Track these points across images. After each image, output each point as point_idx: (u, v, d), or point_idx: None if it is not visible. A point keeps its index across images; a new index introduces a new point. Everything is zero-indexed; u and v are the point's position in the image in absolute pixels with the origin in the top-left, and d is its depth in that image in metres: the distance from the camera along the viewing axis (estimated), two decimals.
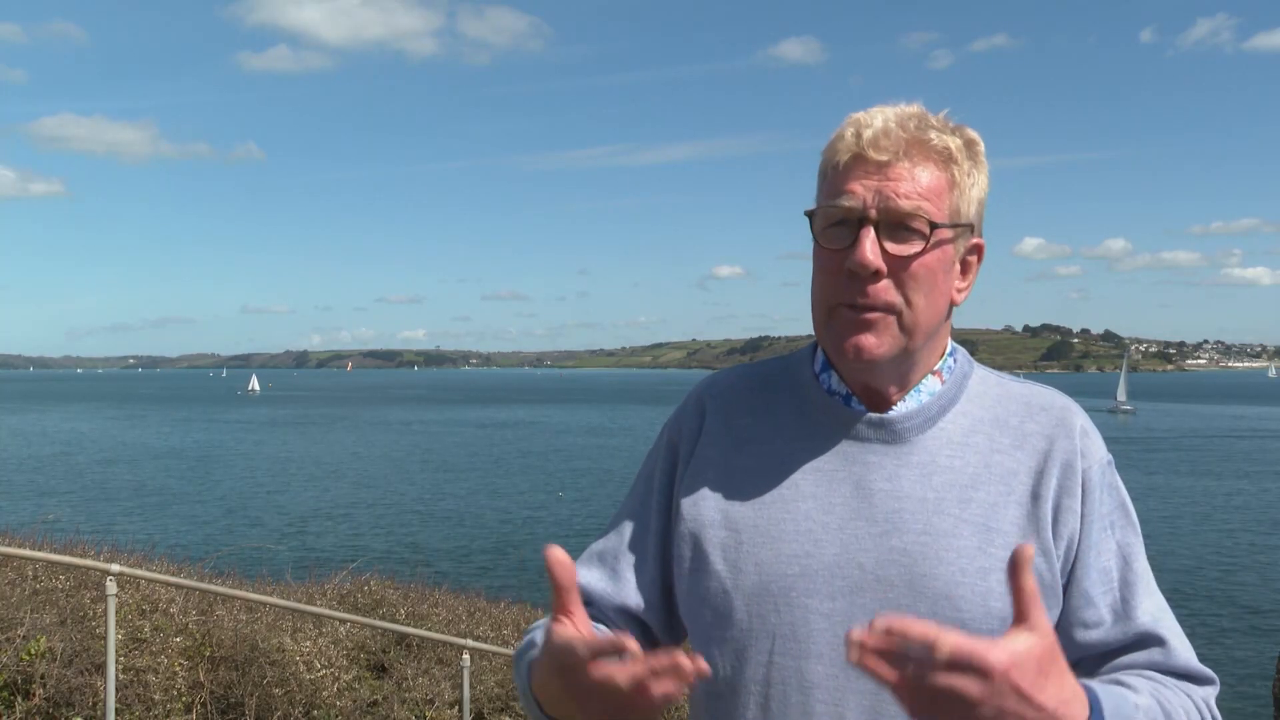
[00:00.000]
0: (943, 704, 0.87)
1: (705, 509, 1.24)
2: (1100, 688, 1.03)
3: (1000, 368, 1.39)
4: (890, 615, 0.87)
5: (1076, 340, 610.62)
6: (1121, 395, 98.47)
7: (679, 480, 1.29)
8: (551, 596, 0.99)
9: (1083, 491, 1.20)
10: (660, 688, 0.93)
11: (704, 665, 0.92)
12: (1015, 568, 0.89)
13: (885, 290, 1.15)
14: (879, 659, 0.87)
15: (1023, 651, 0.87)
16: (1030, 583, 0.89)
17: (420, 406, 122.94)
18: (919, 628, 0.85)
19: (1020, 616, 0.89)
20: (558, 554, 0.97)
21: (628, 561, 1.30)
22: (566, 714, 1.06)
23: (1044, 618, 0.90)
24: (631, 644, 0.92)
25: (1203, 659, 1.21)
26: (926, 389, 1.24)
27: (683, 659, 0.92)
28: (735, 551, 1.20)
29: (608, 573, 1.31)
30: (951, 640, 0.85)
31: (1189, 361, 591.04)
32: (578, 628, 1.00)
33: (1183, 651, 1.18)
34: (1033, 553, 0.88)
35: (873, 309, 1.15)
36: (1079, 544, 1.19)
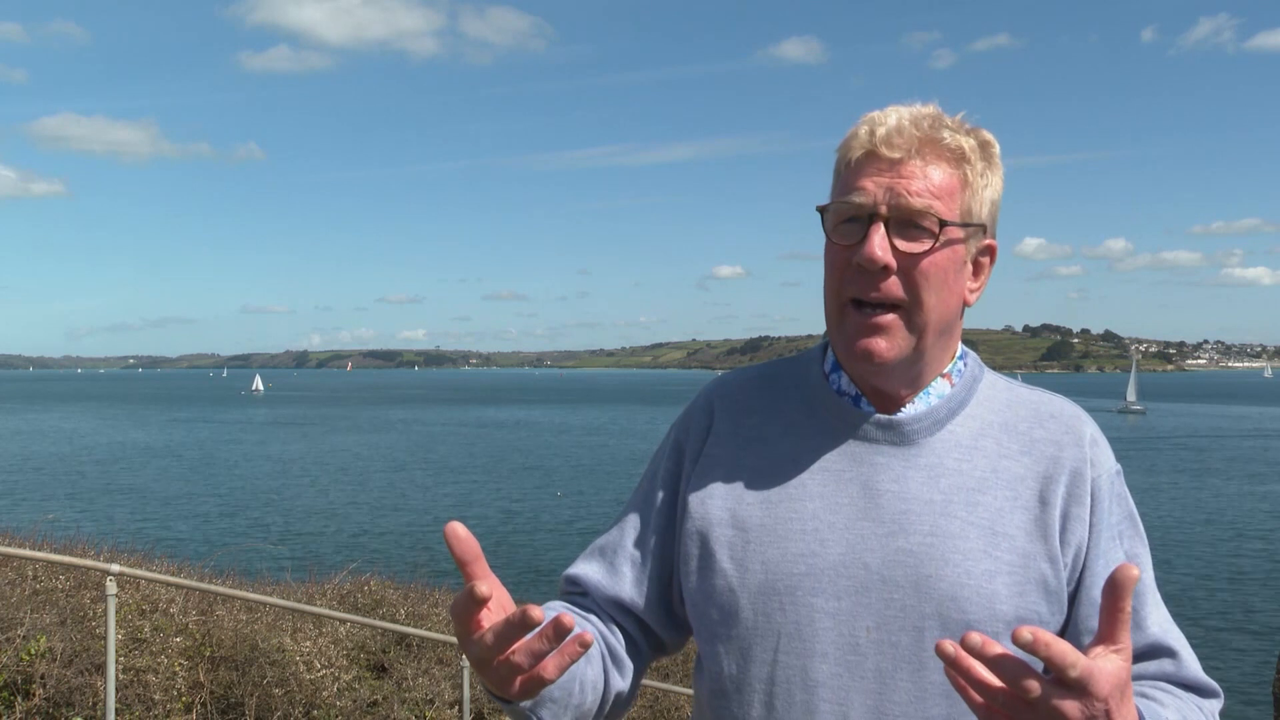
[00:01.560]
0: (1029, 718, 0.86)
1: (712, 508, 1.24)
2: (1143, 705, 1.03)
3: (1000, 368, 1.39)
4: (978, 634, 0.86)
5: (1076, 340, 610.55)
6: (1131, 395, 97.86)
7: (686, 479, 1.29)
8: (460, 571, 0.97)
9: (1091, 501, 1.20)
10: (537, 648, 0.93)
11: (588, 638, 0.91)
12: (1116, 588, 0.87)
13: (894, 287, 1.15)
14: (970, 672, 0.86)
15: (1119, 673, 0.88)
16: (1129, 605, 0.88)
17: (420, 406, 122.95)
18: (1059, 646, 0.84)
19: (1111, 638, 0.89)
20: (456, 528, 0.95)
21: (627, 556, 1.31)
22: (497, 688, 1.02)
23: (1129, 640, 0.90)
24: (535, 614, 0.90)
25: (1203, 657, 1.21)
26: (936, 391, 1.24)
27: (534, 611, 0.90)
28: (742, 550, 1.20)
29: (606, 566, 1.31)
30: (1084, 661, 0.85)
31: (1189, 361, 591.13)
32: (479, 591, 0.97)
33: (1192, 664, 1.19)
34: (1138, 574, 0.87)
35: (881, 306, 1.16)
36: (1087, 553, 1.19)
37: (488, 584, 0.94)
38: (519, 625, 0.93)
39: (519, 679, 0.97)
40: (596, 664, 1.21)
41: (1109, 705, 0.87)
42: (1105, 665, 0.87)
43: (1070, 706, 0.86)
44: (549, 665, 0.94)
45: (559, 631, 0.91)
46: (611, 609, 1.30)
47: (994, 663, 0.85)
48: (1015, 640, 0.83)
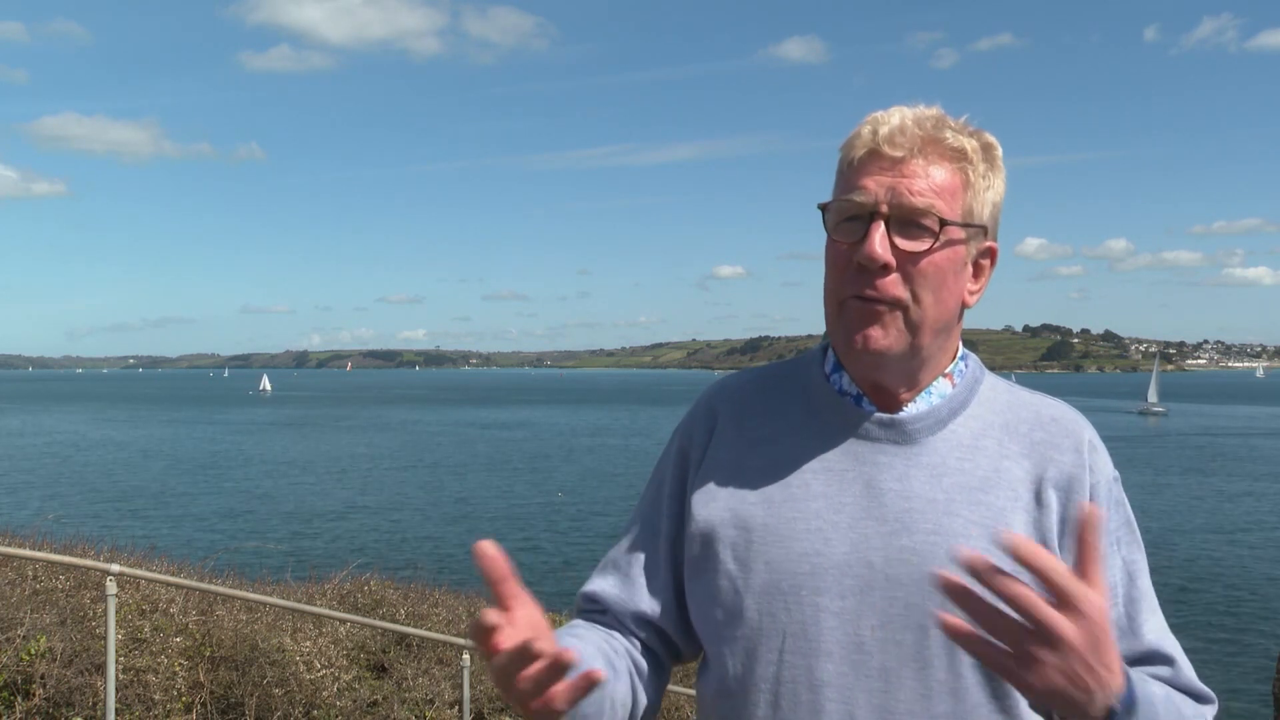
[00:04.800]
0: (1025, 653, 0.90)
1: (716, 509, 1.24)
2: (1128, 669, 1.04)
3: (1000, 368, 1.38)
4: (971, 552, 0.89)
5: (1076, 340, 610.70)
6: (1152, 396, 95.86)
7: (691, 484, 1.29)
8: (491, 590, 0.99)
9: None
10: (539, 678, 0.95)
11: (598, 675, 0.95)
12: (1085, 527, 0.91)
13: (893, 284, 1.16)
14: (965, 600, 0.89)
15: (1104, 605, 0.91)
16: (1101, 544, 0.91)
17: (420, 407, 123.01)
18: (1040, 555, 0.88)
19: (1087, 575, 0.91)
20: (486, 548, 0.96)
21: (639, 568, 1.31)
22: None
23: (1103, 578, 0.92)
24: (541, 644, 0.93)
25: (1204, 657, 1.21)
26: (937, 391, 1.25)
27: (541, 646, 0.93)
28: (746, 550, 1.20)
29: (621, 581, 1.31)
30: (1065, 572, 0.89)
31: (1189, 361, 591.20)
32: (512, 620, 0.99)
33: (1187, 670, 1.20)
34: (1102, 514, 0.90)
35: (880, 302, 1.16)
36: None
37: (497, 613, 0.96)
38: (528, 654, 0.94)
39: (532, 705, 0.98)
40: (625, 680, 1.22)
41: (1100, 633, 0.90)
42: (1090, 590, 0.90)
43: (1065, 626, 0.89)
44: (559, 697, 0.97)
45: (560, 666, 0.94)
46: (631, 623, 1.30)
47: (986, 582, 0.89)
48: (1002, 545, 0.89)
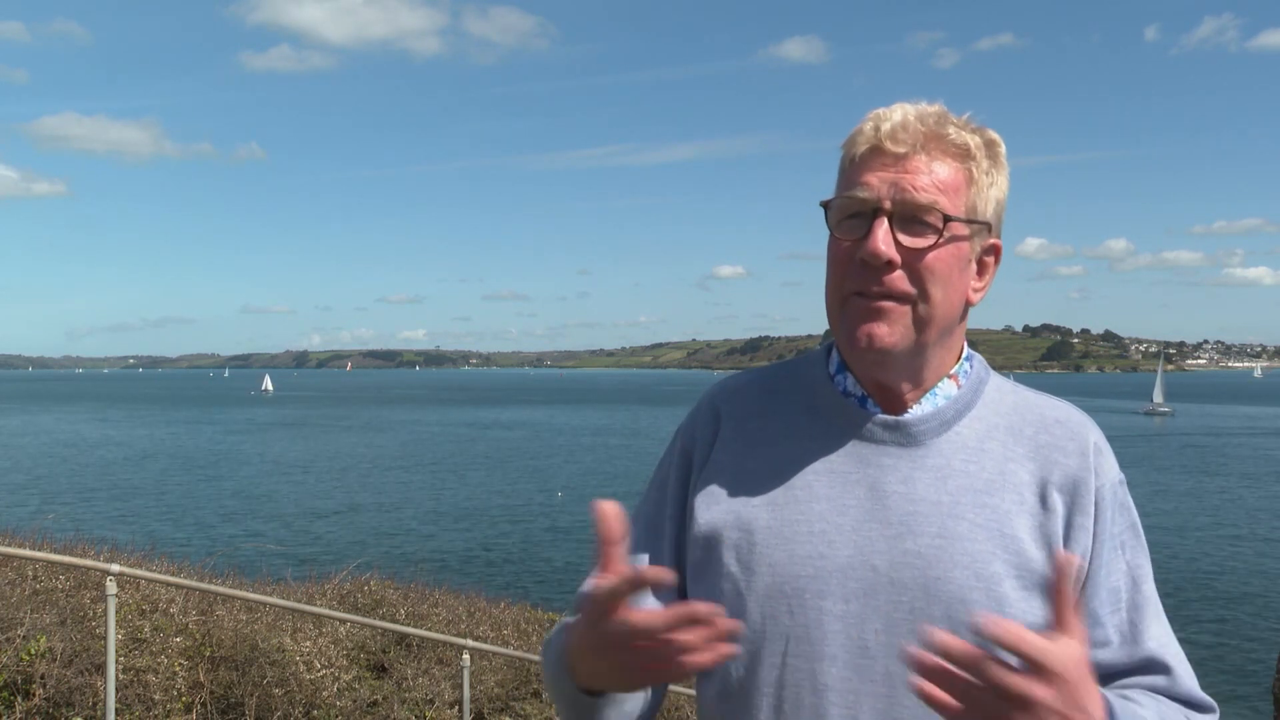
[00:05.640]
0: (1002, 713, 0.90)
1: (718, 512, 1.23)
2: (1113, 698, 1.05)
3: (1000, 368, 1.38)
4: (933, 627, 0.90)
5: (1076, 340, 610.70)
6: (1158, 396, 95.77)
7: (693, 485, 1.28)
8: (597, 551, 0.99)
9: (1095, 510, 1.19)
10: (692, 641, 0.94)
11: (730, 622, 0.93)
12: (1056, 574, 0.92)
13: (899, 281, 1.15)
14: (935, 675, 0.90)
15: (1073, 653, 0.91)
16: (1069, 589, 0.92)
17: (420, 407, 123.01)
18: (1014, 629, 0.89)
19: (1062, 623, 0.92)
20: (607, 506, 0.97)
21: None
22: (597, 680, 1.06)
23: (1078, 624, 0.93)
24: (664, 574, 0.91)
25: (1204, 655, 1.21)
26: (942, 392, 1.23)
27: (715, 609, 0.92)
28: (748, 553, 1.19)
29: None
30: (1040, 641, 0.89)
31: (1189, 361, 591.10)
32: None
33: (1187, 680, 1.19)
34: (1076, 563, 0.90)
35: (886, 297, 1.15)
36: (1089, 563, 1.18)
37: (609, 578, 0.96)
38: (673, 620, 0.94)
39: (651, 669, 0.98)
40: None
41: (1074, 687, 0.91)
42: (1057, 645, 0.91)
43: (1037, 688, 0.89)
44: (705, 657, 0.95)
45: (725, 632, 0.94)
46: None
47: (957, 661, 0.90)
48: (976, 633, 0.89)
